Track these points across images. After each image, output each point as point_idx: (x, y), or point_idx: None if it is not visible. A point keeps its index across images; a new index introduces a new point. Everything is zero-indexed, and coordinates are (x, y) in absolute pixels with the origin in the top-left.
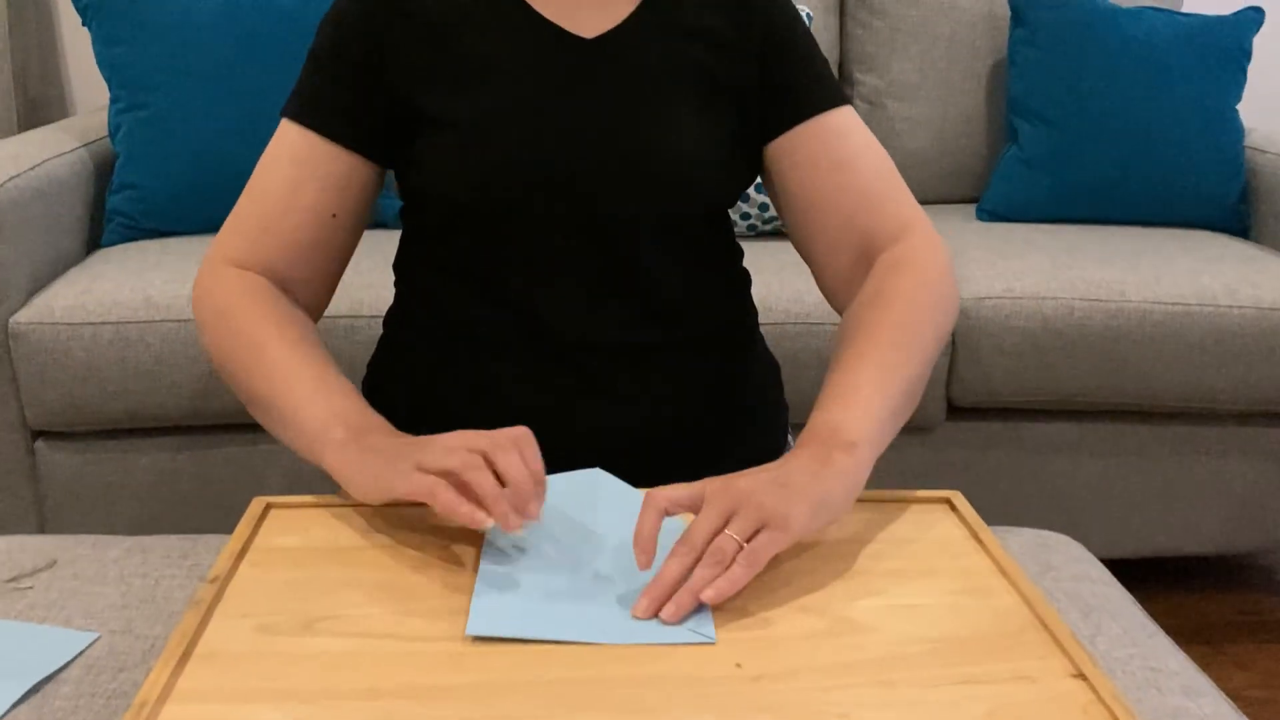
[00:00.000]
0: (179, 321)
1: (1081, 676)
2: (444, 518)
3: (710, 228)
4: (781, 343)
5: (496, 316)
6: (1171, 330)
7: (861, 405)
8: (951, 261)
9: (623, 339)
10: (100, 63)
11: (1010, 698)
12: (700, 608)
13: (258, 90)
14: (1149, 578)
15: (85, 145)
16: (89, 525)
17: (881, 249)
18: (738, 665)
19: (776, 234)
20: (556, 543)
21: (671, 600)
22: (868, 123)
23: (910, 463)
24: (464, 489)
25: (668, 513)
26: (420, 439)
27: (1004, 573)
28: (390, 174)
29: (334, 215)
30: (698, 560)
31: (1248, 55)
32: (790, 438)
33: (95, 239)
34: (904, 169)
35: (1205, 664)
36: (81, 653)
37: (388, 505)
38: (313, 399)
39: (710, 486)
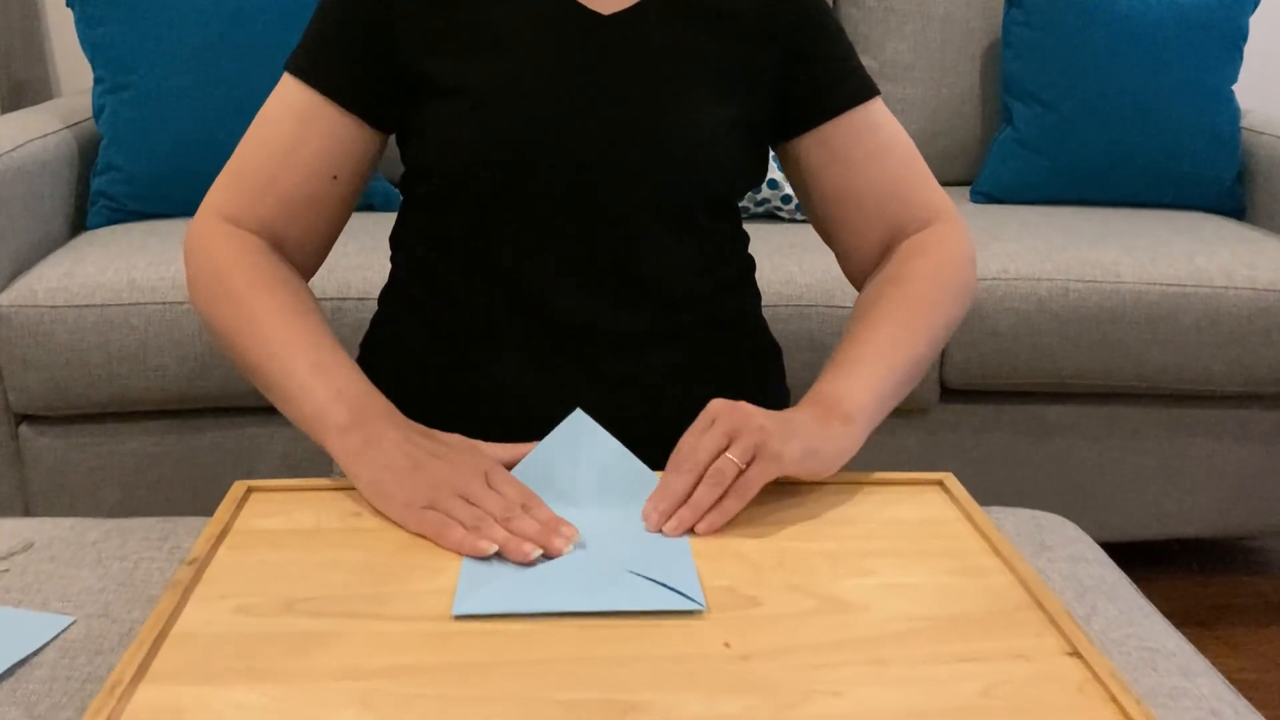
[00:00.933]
0: (164, 304)
1: (1077, 655)
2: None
3: (715, 216)
4: (774, 325)
5: (491, 295)
6: (1167, 312)
7: (864, 380)
8: (974, 251)
9: (620, 324)
10: (83, 43)
11: (1005, 675)
12: (688, 572)
13: (243, 71)
14: (1142, 560)
15: (69, 127)
16: (75, 510)
17: (909, 235)
18: (726, 644)
19: (770, 216)
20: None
21: (675, 516)
22: None
23: (903, 445)
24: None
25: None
26: (419, 442)
27: (998, 552)
28: (391, 140)
29: (334, 177)
30: (699, 479)
31: (1244, 35)
32: None
33: (80, 221)
34: None
35: (1197, 647)
36: (57, 636)
37: None
38: (312, 378)
39: (718, 405)
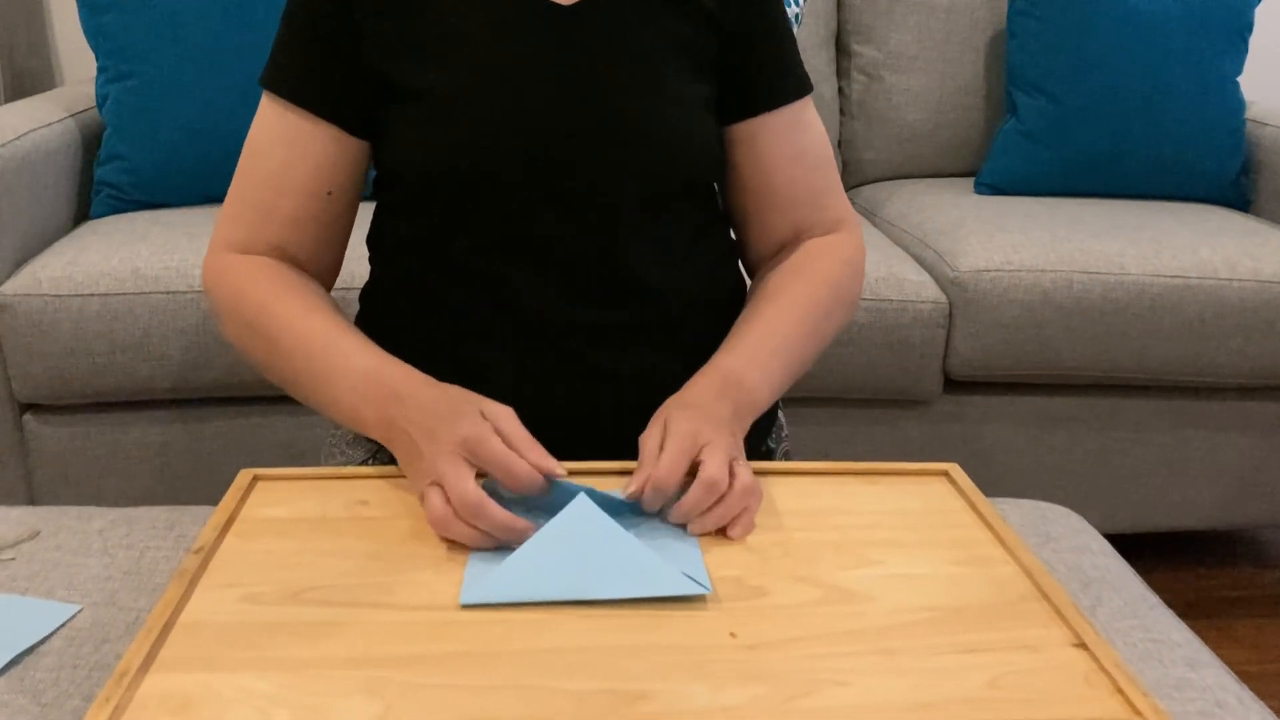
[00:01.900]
0: (167, 294)
1: (1083, 646)
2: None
3: (692, 203)
4: None
5: (468, 293)
6: (1171, 303)
7: (764, 368)
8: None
9: (600, 318)
10: (87, 31)
11: (1011, 666)
12: (694, 558)
13: (247, 59)
14: (1145, 552)
15: (73, 115)
16: (79, 499)
17: (813, 237)
18: (732, 634)
19: None
20: (549, 512)
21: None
22: (865, 95)
23: (907, 436)
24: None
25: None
26: (415, 419)
27: (1003, 543)
28: None
29: (329, 193)
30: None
31: (1249, 27)
32: (780, 414)
33: (83, 210)
34: (901, 141)
35: (1200, 638)
36: (64, 624)
37: (377, 477)
38: (330, 379)
39: (680, 434)
